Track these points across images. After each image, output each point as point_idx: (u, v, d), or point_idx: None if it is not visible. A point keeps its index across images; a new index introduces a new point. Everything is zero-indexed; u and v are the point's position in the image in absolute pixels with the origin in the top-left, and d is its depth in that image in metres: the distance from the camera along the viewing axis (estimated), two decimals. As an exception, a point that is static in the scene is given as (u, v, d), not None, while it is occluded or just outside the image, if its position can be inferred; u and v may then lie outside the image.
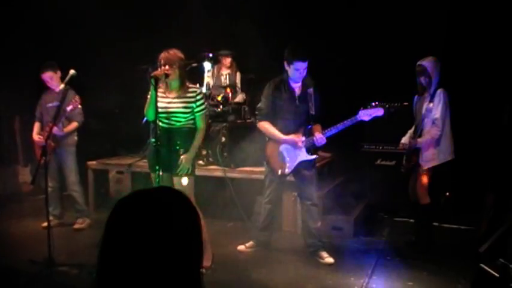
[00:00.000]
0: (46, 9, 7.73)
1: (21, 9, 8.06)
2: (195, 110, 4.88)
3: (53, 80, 6.38)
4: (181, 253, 1.40)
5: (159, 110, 4.74)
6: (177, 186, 4.86)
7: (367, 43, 7.12)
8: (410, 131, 5.82)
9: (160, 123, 4.84)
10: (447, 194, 6.67)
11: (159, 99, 4.78)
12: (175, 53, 4.76)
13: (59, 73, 6.39)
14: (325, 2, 7.47)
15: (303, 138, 5.32)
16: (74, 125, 6.49)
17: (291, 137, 5.34)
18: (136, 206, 1.43)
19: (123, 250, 1.36)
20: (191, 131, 4.93)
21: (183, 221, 1.44)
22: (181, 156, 4.83)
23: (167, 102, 4.83)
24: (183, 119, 4.85)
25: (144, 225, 1.37)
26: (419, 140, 5.52)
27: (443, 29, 6.60)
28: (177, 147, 4.85)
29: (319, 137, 5.19)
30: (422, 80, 5.53)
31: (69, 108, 6.01)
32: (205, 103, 5.29)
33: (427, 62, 5.48)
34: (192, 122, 4.92)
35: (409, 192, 5.85)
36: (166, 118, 4.84)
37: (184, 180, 4.86)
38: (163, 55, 4.74)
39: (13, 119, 8.34)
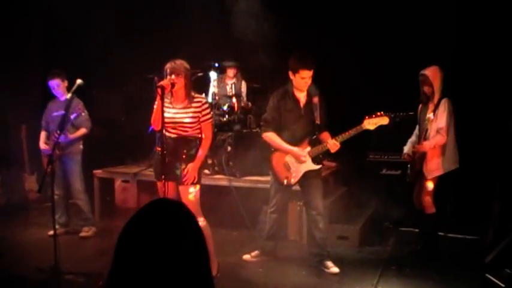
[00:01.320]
0: (53, 18, 7.79)
1: (28, 19, 8.12)
2: (201, 119, 4.91)
3: (59, 88, 6.42)
4: (191, 267, 1.42)
5: (166, 119, 4.77)
6: (182, 196, 4.89)
7: (374, 51, 7.13)
8: (411, 140, 5.81)
9: (167, 133, 4.87)
10: (452, 203, 6.65)
11: (165, 109, 4.81)
12: (181, 63, 4.79)
13: (66, 82, 6.43)
14: (332, 11, 7.48)
15: (309, 149, 5.34)
16: (83, 131, 6.52)
17: (296, 150, 5.34)
18: (144, 226, 1.45)
19: (134, 270, 1.38)
20: (198, 140, 4.95)
21: (188, 236, 1.46)
22: (188, 165, 4.85)
23: (174, 113, 4.85)
24: (189, 129, 4.88)
25: (152, 245, 1.39)
26: (425, 143, 5.47)
27: (451, 37, 6.60)
28: (183, 156, 4.87)
29: (333, 143, 5.18)
30: (426, 89, 5.54)
31: (72, 116, 6.03)
32: (211, 112, 5.32)
33: (429, 71, 5.50)
34: (198, 131, 4.94)
35: (413, 201, 5.85)
36: (173, 128, 4.87)
37: (188, 191, 4.88)
38: (169, 65, 4.77)
39: (20, 128, 8.38)
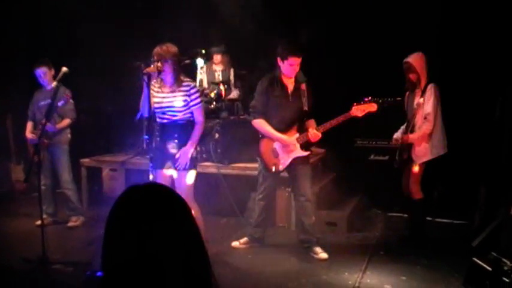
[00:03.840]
0: (37, 6, 7.69)
1: (12, 7, 8.01)
2: (190, 103, 4.89)
3: (46, 76, 6.35)
4: (186, 250, 1.41)
5: (155, 105, 4.77)
6: (176, 181, 4.91)
7: (360, 38, 7.11)
8: (403, 127, 5.84)
9: (157, 119, 4.86)
10: (440, 188, 6.69)
11: (154, 94, 4.82)
12: (168, 48, 4.75)
13: (52, 71, 6.36)
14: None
15: (297, 135, 5.34)
16: (67, 121, 6.47)
17: (285, 138, 5.35)
18: (133, 206, 1.43)
19: (126, 251, 1.37)
20: (188, 125, 4.93)
21: (181, 219, 1.45)
22: (180, 150, 4.84)
23: (162, 97, 4.85)
24: (179, 113, 4.86)
25: (142, 225, 1.38)
26: (411, 136, 5.52)
27: (436, 24, 6.60)
28: (175, 141, 4.85)
29: (313, 133, 5.21)
30: (411, 76, 5.54)
31: (60, 103, 5.97)
32: (201, 97, 5.29)
33: (412, 59, 5.49)
34: (189, 115, 4.92)
35: (402, 187, 5.87)
36: (163, 113, 4.86)
37: (182, 176, 4.88)
38: (156, 50, 4.74)
39: (5, 117, 8.30)
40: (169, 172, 4.99)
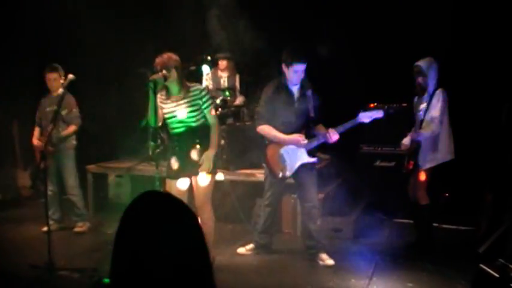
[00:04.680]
0: (44, 13, 7.73)
1: (19, 15, 8.06)
2: (203, 106, 4.89)
3: (56, 81, 6.37)
4: (190, 259, 1.41)
5: (167, 115, 4.79)
6: (197, 185, 4.94)
7: (368, 44, 7.12)
8: (411, 132, 5.80)
9: (172, 130, 4.89)
10: (446, 194, 6.66)
11: (164, 105, 4.84)
12: (169, 57, 4.77)
13: (62, 78, 6.37)
14: (326, 2, 7.46)
15: (305, 140, 5.33)
16: (72, 128, 6.49)
17: (294, 136, 5.33)
18: (141, 219, 1.44)
19: (134, 261, 1.37)
20: (205, 129, 4.94)
21: (186, 227, 1.46)
22: (203, 155, 4.84)
23: (174, 107, 4.84)
24: (194, 118, 4.87)
25: (151, 238, 1.39)
26: (421, 131, 5.46)
27: (447, 28, 6.59)
28: (197, 146, 4.85)
29: (332, 133, 5.18)
30: (420, 80, 5.53)
31: (64, 111, 6.00)
32: (211, 98, 5.30)
33: (423, 63, 5.49)
34: (203, 120, 4.93)
35: (408, 193, 5.85)
36: (179, 122, 4.86)
37: (204, 180, 4.89)
38: (158, 60, 4.75)
39: (11, 124, 8.33)
40: (186, 180, 4.98)
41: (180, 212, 1.47)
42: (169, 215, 1.44)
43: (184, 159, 4.86)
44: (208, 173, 4.88)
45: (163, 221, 1.41)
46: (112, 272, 1.41)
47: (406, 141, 5.75)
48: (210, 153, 4.87)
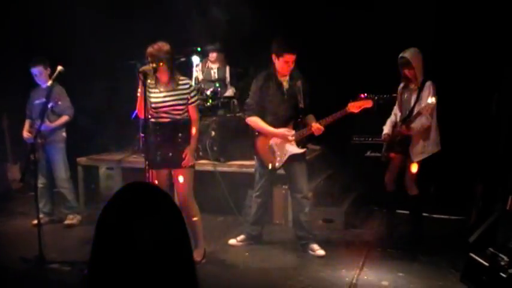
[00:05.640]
0: (32, 5, 7.66)
1: (6, 6, 7.97)
2: (190, 101, 4.92)
3: (42, 75, 6.31)
4: (172, 250, 1.40)
5: (155, 105, 4.78)
6: (177, 179, 4.97)
7: (356, 34, 7.11)
8: (391, 119, 5.77)
9: (159, 119, 4.86)
10: (433, 186, 6.69)
11: (152, 95, 4.83)
12: (160, 47, 4.75)
13: (49, 70, 6.31)
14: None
15: (293, 132, 5.33)
16: (65, 118, 6.46)
17: (281, 130, 5.34)
18: (125, 205, 1.43)
19: (115, 251, 1.36)
20: (189, 123, 4.96)
21: (168, 218, 1.45)
22: (186, 149, 4.88)
23: (163, 97, 4.84)
24: (180, 111, 4.88)
25: (131, 230, 1.37)
26: (412, 125, 5.40)
27: (432, 19, 6.60)
28: (179, 140, 4.87)
29: (317, 127, 5.19)
30: (407, 71, 5.49)
31: (50, 104, 5.96)
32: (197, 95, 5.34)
33: (409, 54, 5.46)
34: (187, 114, 4.95)
35: (385, 182, 5.85)
36: (165, 112, 4.85)
37: (186, 177, 4.94)
38: (149, 51, 4.75)
39: (1, 117, 8.27)
40: (167, 172, 5.03)
41: (162, 203, 1.46)
42: (150, 205, 1.42)
43: (163, 150, 4.88)
44: (190, 167, 4.93)
45: (143, 212, 1.40)
46: (90, 263, 1.40)
47: (388, 129, 5.71)
48: (192, 146, 4.93)
